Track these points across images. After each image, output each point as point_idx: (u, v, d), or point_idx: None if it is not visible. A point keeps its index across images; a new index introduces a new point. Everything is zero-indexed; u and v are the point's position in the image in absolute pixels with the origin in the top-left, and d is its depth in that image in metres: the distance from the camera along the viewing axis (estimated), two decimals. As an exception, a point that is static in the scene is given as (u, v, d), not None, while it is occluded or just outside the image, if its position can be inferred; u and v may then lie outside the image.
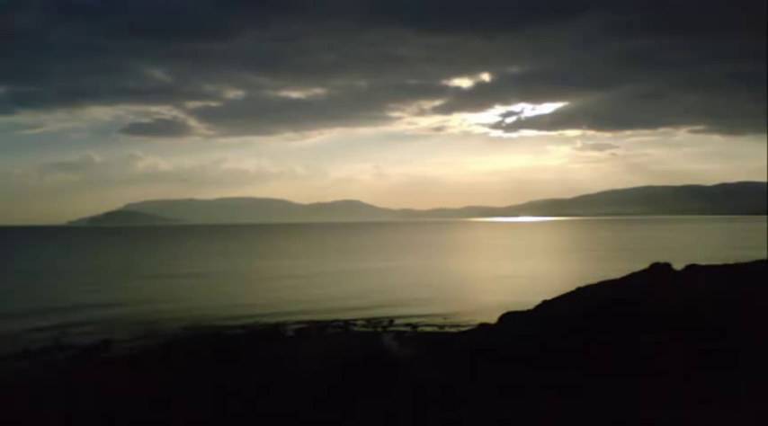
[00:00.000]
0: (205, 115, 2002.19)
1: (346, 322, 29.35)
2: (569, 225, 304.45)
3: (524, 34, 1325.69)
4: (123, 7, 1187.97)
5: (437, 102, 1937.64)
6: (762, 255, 28.60)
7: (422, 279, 51.32)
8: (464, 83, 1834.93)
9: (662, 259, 21.17)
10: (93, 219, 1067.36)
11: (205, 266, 70.96)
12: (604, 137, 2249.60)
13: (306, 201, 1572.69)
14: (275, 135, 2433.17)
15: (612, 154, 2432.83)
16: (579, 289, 20.17)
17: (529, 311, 19.91)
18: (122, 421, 12.13)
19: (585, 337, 14.89)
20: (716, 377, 12.05)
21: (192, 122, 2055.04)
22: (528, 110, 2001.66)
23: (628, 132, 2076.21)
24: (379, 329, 27.60)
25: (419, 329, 27.20)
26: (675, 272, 20.31)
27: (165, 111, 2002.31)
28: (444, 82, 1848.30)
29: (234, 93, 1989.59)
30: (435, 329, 27.30)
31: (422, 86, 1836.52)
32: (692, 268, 20.78)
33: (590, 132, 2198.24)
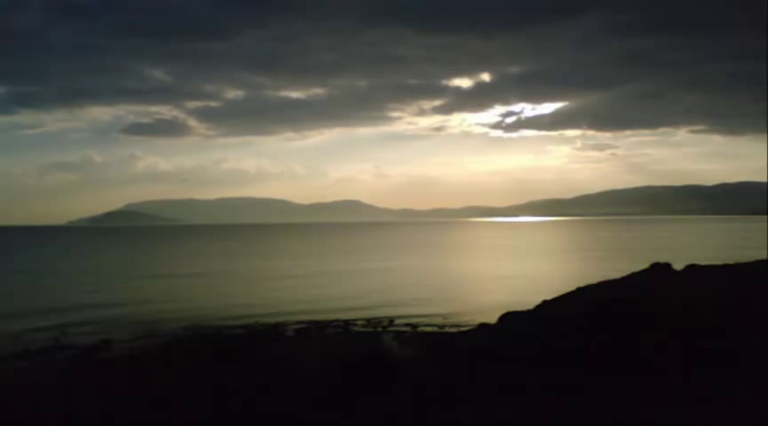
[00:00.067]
0: (205, 115, 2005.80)
1: (346, 322, 29.35)
2: (569, 225, 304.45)
3: (524, 34, 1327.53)
4: (123, 7, 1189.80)
5: (437, 102, 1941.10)
6: (762, 255, 28.60)
7: (422, 279, 51.32)
8: (464, 83, 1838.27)
9: (662, 259, 21.17)
10: (93, 219, 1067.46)
11: (205, 266, 70.96)
12: (604, 137, 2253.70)
13: (306, 201, 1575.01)
14: (275, 135, 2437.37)
15: (612, 154, 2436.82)
16: (579, 289, 20.17)
17: (529, 311, 19.91)
18: (122, 421, 12.13)
19: (585, 337, 14.89)
20: (716, 377, 12.05)
21: (192, 122, 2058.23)
22: (528, 110, 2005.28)
23: (628, 132, 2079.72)
24: (379, 329, 27.60)
25: (419, 329, 27.20)
26: (675, 272, 20.31)
27: (165, 111, 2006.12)
28: (444, 82, 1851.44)
29: (234, 93, 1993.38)
30: (435, 329, 27.30)
31: (422, 86, 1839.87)
32: (692, 268, 20.78)
33: (590, 132, 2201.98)
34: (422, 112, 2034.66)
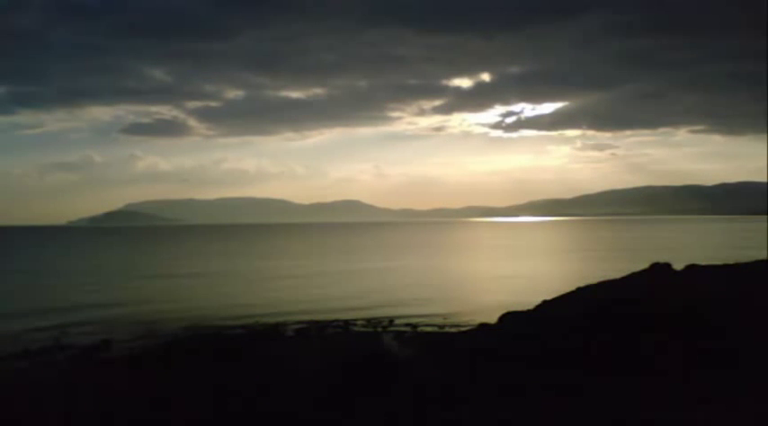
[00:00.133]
0: (205, 115, 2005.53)
1: (346, 322, 29.35)
2: (569, 225, 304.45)
3: (524, 34, 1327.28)
4: (123, 7, 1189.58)
5: (437, 102, 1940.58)
6: (762, 255, 28.60)
7: (422, 279, 51.32)
8: (464, 83, 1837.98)
9: (662, 259, 21.17)
10: (93, 219, 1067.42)
11: (205, 266, 70.96)
12: (604, 137, 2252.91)
13: (306, 201, 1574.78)
14: (275, 135, 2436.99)
15: (612, 154, 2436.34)
16: (579, 289, 20.17)
17: (529, 311, 19.91)
18: (122, 421, 12.13)
19: (585, 337, 14.89)
20: (716, 377, 12.05)
21: (192, 122, 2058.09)
22: (528, 110, 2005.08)
23: (628, 132, 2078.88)
24: (379, 329, 27.60)
25: (419, 329, 27.20)
26: (675, 272, 20.31)
27: (165, 111, 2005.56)
28: (444, 82, 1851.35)
29: (234, 93, 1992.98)
30: (435, 329, 27.30)
31: (422, 86, 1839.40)
32: (692, 268, 20.78)
33: (590, 132, 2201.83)
34: (422, 112, 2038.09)
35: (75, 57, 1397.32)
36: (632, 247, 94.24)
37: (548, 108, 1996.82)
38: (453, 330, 25.77)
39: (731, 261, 22.25)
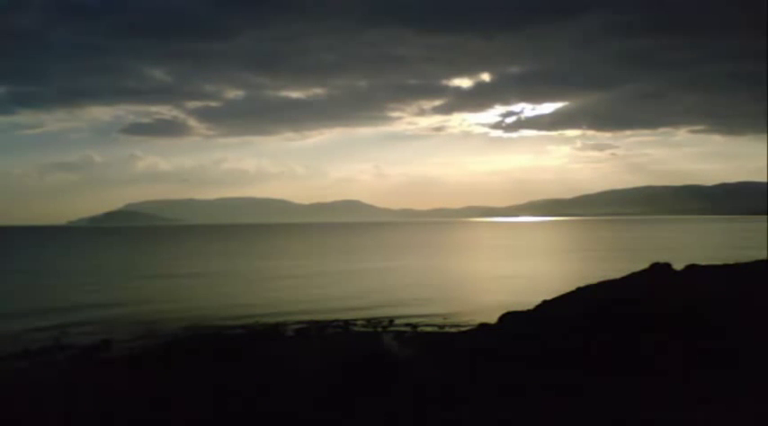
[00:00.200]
0: (205, 115, 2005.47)
1: (346, 322, 29.35)
2: (569, 225, 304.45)
3: (524, 34, 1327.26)
4: (123, 7, 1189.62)
5: (437, 102, 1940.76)
6: (762, 255, 28.60)
7: (422, 279, 51.32)
8: (464, 83, 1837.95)
9: (662, 259, 21.17)
10: (93, 219, 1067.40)
11: (205, 266, 70.95)
12: (604, 137, 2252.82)
13: (306, 201, 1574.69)
14: (275, 135, 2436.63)
15: (612, 154, 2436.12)
16: (579, 289, 20.17)
17: (529, 311, 19.91)
18: (122, 421, 12.13)
19: (585, 337, 14.89)
20: (716, 377, 12.05)
21: (192, 122, 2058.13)
22: (528, 110, 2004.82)
23: (628, 132, 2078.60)
24: (379, 329, 27.60)
25: (419, 329, 27.20)
26: (675, 272, 20.31)
27: (165, 111, 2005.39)
28: (444, 82, 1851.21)
29: (234, 93, 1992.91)
30: (435, 329, 27.30)
31: (422, 86, 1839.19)
32: (692, 268, 20.78)
33: (590, 132, 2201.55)
34: (422, 112, 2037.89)
35: (75, 57, 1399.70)
36: (632, 247, 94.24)
37: (548, 108, 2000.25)
38: (453, 330, 25.77)
39: (731, 261, 22.25)
